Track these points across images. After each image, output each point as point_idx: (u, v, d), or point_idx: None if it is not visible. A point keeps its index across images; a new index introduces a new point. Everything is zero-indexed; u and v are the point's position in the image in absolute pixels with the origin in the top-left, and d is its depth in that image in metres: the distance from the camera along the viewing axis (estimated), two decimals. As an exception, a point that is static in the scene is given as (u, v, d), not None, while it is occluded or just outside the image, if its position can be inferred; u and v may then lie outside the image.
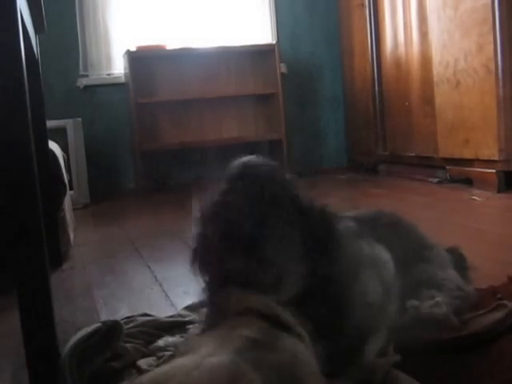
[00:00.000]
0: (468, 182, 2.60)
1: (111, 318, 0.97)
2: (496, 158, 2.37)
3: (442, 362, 0.79)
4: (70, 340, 0.88)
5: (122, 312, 1.22)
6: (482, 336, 0.86)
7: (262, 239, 0.72)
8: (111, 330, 0.93)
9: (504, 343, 0.85)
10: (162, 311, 1.17)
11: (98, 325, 0.92)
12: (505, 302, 0.95)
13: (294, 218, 0.75)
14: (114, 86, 3.67)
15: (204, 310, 0.85)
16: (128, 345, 0.94)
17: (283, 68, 3.84)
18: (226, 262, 0.73)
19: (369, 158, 3.54)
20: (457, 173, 2.69)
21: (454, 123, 2.63)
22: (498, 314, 0.90)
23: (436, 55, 2.73)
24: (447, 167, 2.77)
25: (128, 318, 1.09)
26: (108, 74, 3.67)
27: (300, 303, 0.72)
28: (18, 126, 0.81)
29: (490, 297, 1.01)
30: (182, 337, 0.99)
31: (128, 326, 1.02)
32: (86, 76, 3.62)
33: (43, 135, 1.69)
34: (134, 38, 3.61)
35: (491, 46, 2.33)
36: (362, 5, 3.50)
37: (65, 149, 2.90)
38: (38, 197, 0.83)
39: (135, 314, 1.12)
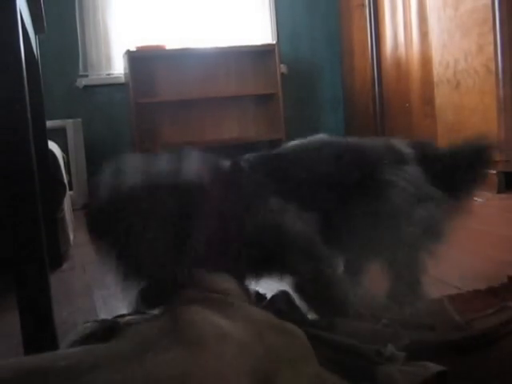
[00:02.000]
0: (468, 182, 2.59)
1: (109, 318, 0.96)
2: (496, 158, 2.36)
3: (445, 364, 0.79)
4: (66, 339, 0.87)
5: (121, 312, 1.21)
6: (487, 337, 0.85)
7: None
8: (109, 330, 0.92)
9: (508, 345, 0.85)
10: (162, 311, 1.17)
11: (96, 324, 0.92)
12: (509, 303, 0.94)
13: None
14: (114, 86, 3.66)
15: None
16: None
17: (283, 68, 3.84)
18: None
19: (369, 158, 3.53)
20: (457, 173, 2.69)
21: (454, 124, 2.63)
22: (503, 316, 0.90)
23: (436, 55, 2.73)
24: (447, 167, 2.77)
25: (122, 315, 1.08)
26: (108, 74, 3.67)
27: None
28: (18, 126, 0.81)
29: (491, 298, 1.01)
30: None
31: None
32: (86, 76, 3.62)
33: (43, 135, 1.69)
34: (134, 38, 3.61)
35: (491, 47, 2.33)
36: (362, 5, 3.50)
37: (64, 149, 2.90)
38: (37, 197, 0.83)
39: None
